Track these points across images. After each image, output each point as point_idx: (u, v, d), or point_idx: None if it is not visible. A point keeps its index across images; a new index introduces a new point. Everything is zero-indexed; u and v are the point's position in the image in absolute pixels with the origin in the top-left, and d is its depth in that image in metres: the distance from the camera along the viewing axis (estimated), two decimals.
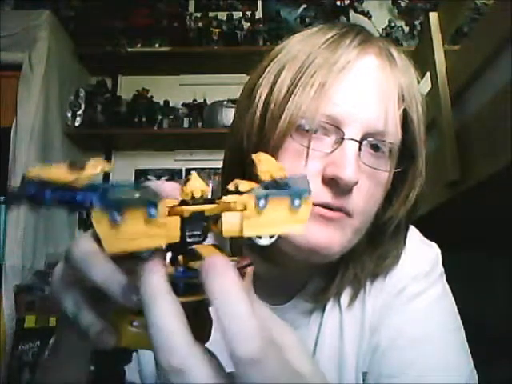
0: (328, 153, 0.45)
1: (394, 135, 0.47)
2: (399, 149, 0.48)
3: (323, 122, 0.45)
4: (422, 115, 0.49)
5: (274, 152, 0.46)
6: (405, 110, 0.48)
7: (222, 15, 2.60)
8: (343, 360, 0.53)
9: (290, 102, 0.46)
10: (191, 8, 2.69)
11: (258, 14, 2.64)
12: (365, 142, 0.46)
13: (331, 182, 0.44)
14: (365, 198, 0.46)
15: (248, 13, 2.60)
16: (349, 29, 0.50)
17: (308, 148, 0.45)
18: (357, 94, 0.46)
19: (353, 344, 0.53)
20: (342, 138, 0.45)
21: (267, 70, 0.50)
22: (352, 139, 0.44)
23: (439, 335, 0.51)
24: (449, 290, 0.56)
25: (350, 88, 0.46)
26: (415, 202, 0.51)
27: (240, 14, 2.61)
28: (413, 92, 0.49)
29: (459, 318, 0.54)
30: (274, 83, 0.48)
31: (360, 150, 0.45)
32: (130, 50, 2.41)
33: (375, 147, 0.47)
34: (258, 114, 0.49)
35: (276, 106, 0.47)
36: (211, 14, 2.60)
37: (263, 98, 0.49)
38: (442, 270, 0.57)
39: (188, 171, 2.47)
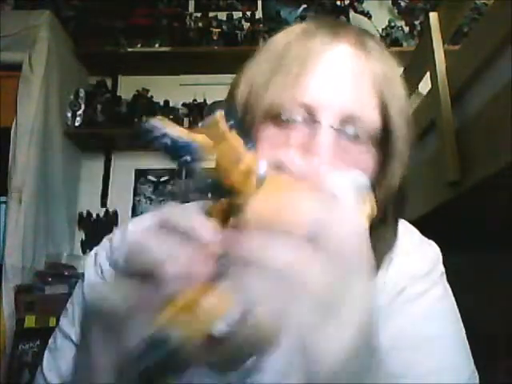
0: (304, 140, 0.45)
1: (372, 121, 0.47)
2: (379, 134, 0.48)
3: (299, 111, 0.46)
4: (400, 101, 0.49)
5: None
6: (382, 97, 0.48)
7: (222, 15, 2.60)
8: None
9: (265, 93, 0.46)
10: (191, 8, 2.69)
11: (258, 14, 2.65)
12: (341, 129, 0.46)
13: None
14: None
15: (248, 13, 2.61)
16: (326, 21, 0.51)
17: (285, 137, 0.45)
18: (330, 82, 0.46)
19: None
20: (318, 126, 0.45)
21: (247, 67, 0.51)
22: (327, 126, 0.45)
23: (441, 336, 0.51)
24: (450, 290, 0.56)
25: (323, 76, 0.46)
26: (401, 189, 0.50)
27: (240, 14, 2.61)
28: (389, 78, 0.48)
29: (460, 318, 0.54)
30: (251, 77, 0.49)
31: (337, 136, 0.45)
32: (129, 50, 2.41)
33: (353, 133, 0.46)
34: (239, 108, 0.49)
35: (253, 98, 0.48)
36: (211, 14, 2.61)
37: (242, 93, 0.50)
38: (443, 269, 0.57)
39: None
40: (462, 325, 0.54)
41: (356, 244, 0.29)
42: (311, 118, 0.46)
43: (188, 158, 0.31)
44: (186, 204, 0.60)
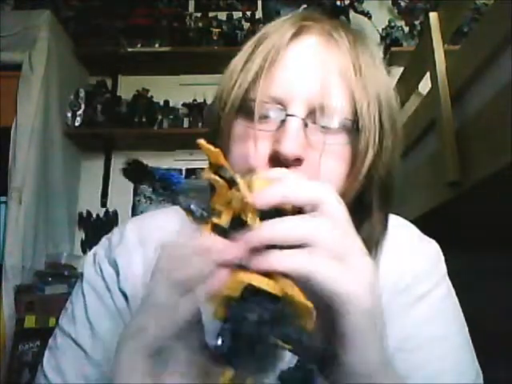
0: (274, 132, 0.45)
1: (342, 111, 0.46)
2: (352, 124, 0.47)
3: (268, 103, 0.46)
4: (372, 91, 0.48)
5: (224, 136, 0.47)
6: (351, 87, 0.47)
7: (222, 15, 2.60)
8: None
9: (235, 89, 0.47)
10: (191, 8, 2.69)
11: (258, 14, 2.65)
12: (311, 120, 0.46)
13: (275, 160, 0.44)
14: (317, 175, 0.45)
15: (248, 13, 2.61)
16: (299, 14, 0.52)
17: (256, 132, 0.46)
18: (297, 73, 0.47)
19: None
20: (287, 118, 0.45)
21: (228, 66, 0.52)
22: (295, 116, 0.45)
23: (446, 337, 0.51)
24: (453, 290, 0.56)
25: (289, 68, 0.47)
26: (385, 182, 0.50)
27: (240, 14, 2.61)
28: (359, 68, 0.48)
29: (463, 317, 0.54)
30: (226, 74, 0.50)
31: (306, 126, 0.45)
32: (129, 49, 2.41)
33: (323, 124, 0.46)
34: (216, 104, 0.50)
35: (225, 92, 0.49)
36: (211, 14, 2.61)
37: (219, 90, 0.51)
38: (445, 269, 0.56)
39: (188, 171, 2.48)
40: (465, 324, 0.54)
41: (342, 210, 0.35)
42: (280, 109, 0.46)
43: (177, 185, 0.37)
44: (169, 210, 0.60)
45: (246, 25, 2.55)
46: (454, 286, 0.56)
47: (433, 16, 1.34)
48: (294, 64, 0.47)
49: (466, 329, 0.53)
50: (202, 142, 0.34)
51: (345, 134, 0.47)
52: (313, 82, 0.46)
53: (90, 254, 0.59)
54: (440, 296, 0.53)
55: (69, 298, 0.57)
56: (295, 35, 0.48)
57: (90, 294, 0.54)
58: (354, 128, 0.47)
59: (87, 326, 0.53)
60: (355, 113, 0.47)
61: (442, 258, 0.57)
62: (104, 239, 0.59)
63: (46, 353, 0.54)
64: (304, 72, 0.47)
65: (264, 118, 0.46)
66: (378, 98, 0.48)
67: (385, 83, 0.51)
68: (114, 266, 0.54)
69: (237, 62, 0.50)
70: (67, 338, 0.53)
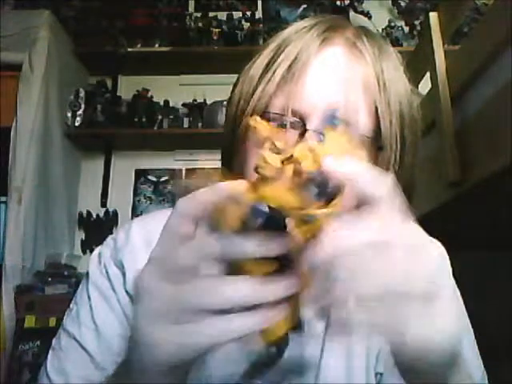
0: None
1: (363, 126, 0.46)
2: (372, 138, 0.47)
3: (288, 116, 0.46)
4: (396, 105, 0.48)
5: (241, 145, 0.47)
6: (375, 102, 0.47)
7: (222, 15, 2.60)
8: (352, 361, 0.52)
9: (256, 95, 0.47)
10: (191, 8, 2.69)
11: (258, 14, 2.64)
12: None
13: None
14: None
15: (248, 13, 2.61)
16: (323, 21, 0.51)
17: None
18: (317, 87, 0.46)
19: (362, 344, 0.53)
20: (305, 131, 0.45)
21: (245, 69, 0.52)
22: (313, 131, 0.45)
23: None
24: (457, 290, 0.56)
25: (312, 81, 0.46)
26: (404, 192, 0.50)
27: (240, 14, 2.61)
28: (383, 83, 0.48)
29: (468, 318, 0.54)
30: (244, 80, 0.50)
31: None
32: (129, 49, 2.41)
33: None
34: (233, 108, 0.50)
35: (244, 99, 0.49)
36: (211, 14, 2.60)
37: (236, 95, 0.51)
38: (450, 269, 0.56)
39: (188, 171, 2.48)
40: (470, 325, 0.54)
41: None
42: (299, 122, 0.46)
43: None
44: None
45: (246, 25, 2.55)
46: None
47: (433, 16, 1.34)
48: (317, 78, 0.47)
49: (471, 329, 0.54)
50: (254, 118, 0.32)
51: (365, 151, 0.46)
52: (335, 97, 0.46)
53: (95, 253, 0.58)
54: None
55: (73, 298, 0.57)
56: (319, 47, 0.47)
57: (96, 295, 0.54)
58: (375, 145, 0.47)
59: (92, 328, 0.52)
60: (377, 129, 0.46)
61: (447, 257, 0.57)
62: (109, 239, 0.58)
63: (50, 353, 0.54)
64: (327, 86, 0.46)
65: (283, 129, 0.46)
66: (401, 112, 0.48)
67: (407, 93, 0.50)
68: (121, 267, 0.54)
69: (256, 68, 0.49)
70: (71, 340, 0.52)
